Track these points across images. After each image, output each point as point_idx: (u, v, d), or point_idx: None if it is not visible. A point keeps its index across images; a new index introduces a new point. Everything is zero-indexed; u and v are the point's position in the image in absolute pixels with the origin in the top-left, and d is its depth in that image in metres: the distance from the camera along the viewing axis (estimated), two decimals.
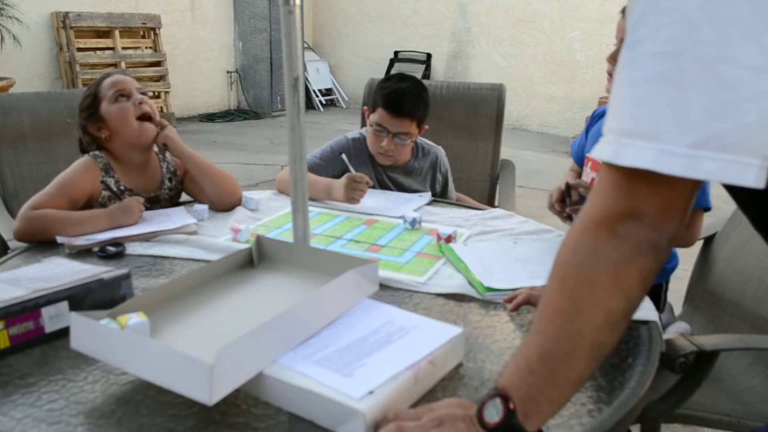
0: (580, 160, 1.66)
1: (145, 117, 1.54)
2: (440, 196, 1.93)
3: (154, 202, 1.60)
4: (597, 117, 1.63)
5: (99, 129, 1.54)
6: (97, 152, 1.54)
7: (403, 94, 1.74)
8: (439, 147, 1.96)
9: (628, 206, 0.61)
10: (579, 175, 1.65)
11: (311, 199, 1.46)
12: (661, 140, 0.55)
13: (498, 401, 0.67)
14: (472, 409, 0.70)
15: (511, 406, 0.66)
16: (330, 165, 1.82)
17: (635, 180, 0.59)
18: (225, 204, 1.62)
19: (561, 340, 0.65)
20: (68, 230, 1.35)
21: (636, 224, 0.61)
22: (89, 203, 1.49)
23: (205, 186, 1.61)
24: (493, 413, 0.66)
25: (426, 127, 1.85)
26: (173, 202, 1.66)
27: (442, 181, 1.96)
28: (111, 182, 1.51)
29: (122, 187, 1.53)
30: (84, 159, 1.53)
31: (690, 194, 0.61)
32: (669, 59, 0.55)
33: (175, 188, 1.67)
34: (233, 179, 1.66)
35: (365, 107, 1.87)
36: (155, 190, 1.61)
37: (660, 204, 0.60)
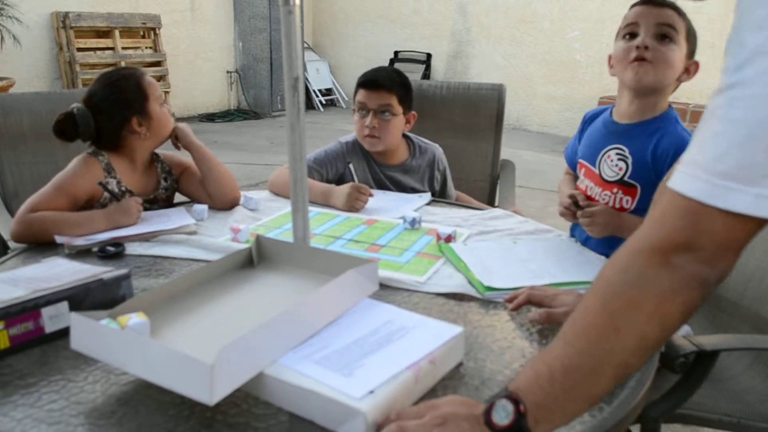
0: (573, 165, 1.65)
1: None
2: (439, 195, 1.93)
3: (151, 203, 1.60)
4: (589, 120, 1.62)
5: (140, 124, 1.52)
6: (98, 150, 1.52)
7: (377, 71, 1.88)
8: (437, 145, 1.96)
9: (687, 238, 0.61)
10: (575, 179, 1.65)
11: None
12: (759, 184, 0.56)
13: (508, 404, 0.66)
14: (477, 408, 0.70)
15: (522, 409, 0.65)
16: (324, 169, 1.83)
17: (703, 214, 0.59)
18: (224, 201, 1.62)
19: (591, 355, 0.65)
20: (66, 232, 1.34)
21: (690, 257, 0.61)
22: (89, 204, 1.48)
23: (209, 181, 1.62)
24: (503, 415, 0.66)
25: (414, 114, 1.88)
26: (169, 202, 1.67)
27: (441, 179, 1.96)
28: (113, 183, 1.50)
29: (123, 188, 1.52)
30: (85, 157, 1.50)
31: (752, 234, 0.61)
32: (752, 103, 0.55)
33: (171, 188, 1.67)
34: (234, 178, 1.67)
35: (354, 108, 1.88)
36: (153, 191, 1.62)
37: (719, 241, 0.61)
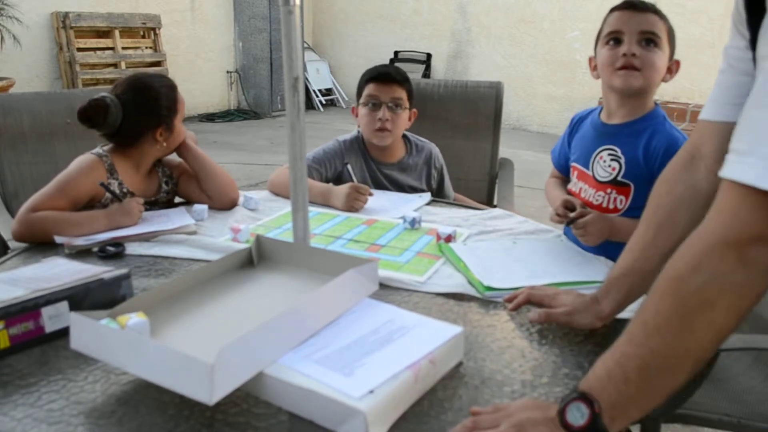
0: (562, 168, 1.65)
1: None
2: (437, 193, 1.94)
3: (152, 205, 1.60)
4: (578, 122, 1.62)
5: (161, 134, 1.54)
6: (102, 151, 1.52)
7: (386, 66, 1.93)
8: (432, 143, 1.97)
9: (762, 231, 0.61)
10: (564, 182, 1.64)
11: None
12: None
13: (582, 405, 0.67)
14: (550, 410, 0.71)
15: (597, 409, 0.66)
16: (323, 167, 1.83)
17: None
18: (224, 201, 1.63)
19: (666, 356, 0.65)
20: (67, 232, 1.34)
21: (765, 250, 0.61)
22: (91, 204, 1.48)
23: (206, 182, 1.62)
24: (578, 416, 0.67)
25: (415, 111, 1.90)
26: (169, 204, 1.67)
27: (438, 177, 1.97)
28: (114, 184, 1.50)
29: (125, 190, 1.52)
30: (89, 158, 1.50)
31: None
32: None
33: (171, 191, 1.67)
34: (231, 177, 1.68)
35: (354, 106, 1.89)
36: (155, 195, 1.62)
37: None
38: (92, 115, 1.46)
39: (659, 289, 0.67)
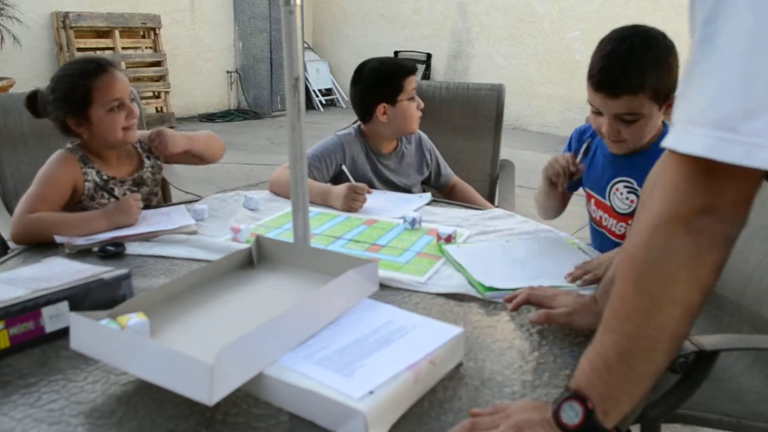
0: (571, 187, 1.58)
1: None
2: (436, 176, 2.01)
3: (139, 185, 1.61)
4: (578, 137, 1.57)
5: (79, 125, 1.48)
6: (71, 145, 1.53)
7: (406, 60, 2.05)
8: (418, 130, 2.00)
9: (703, 201, 0.61)
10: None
11: None
12: (718, 127, 0.55)
13: (575, 403, 0.67)
14: (547, 411, 0.71)
15: (590, 406, 0.66)
16: (323, 164, 1.83)
17: (710, 174, 0.59)
18: (215, 158, 1.72)
19: (641, 336, 0.65)
20: (66, 232, 1.35)
21: (712, 219, 0.61)
22: (76, 196, 1.49)
23: (204, 152, 1.70)
24: (572, 415, 0.67)
25: (384, 105, 1.85)
26: (157, 180, 1.67)
27: (433, 160, 2.01)
28: (93, 173, 1.51)
29: (105, 177, 1.53)
30: (60, 153, 1.51)
31: (758, 185, 0.61)
32: (732, 47, 0.55)
33: (156, 165, 1.66)
34: (215, 137, 1.75)
35: (405, 98, 1.84)
36: (137, 170, 1.61)
37: (733, 197, 0.61)
38: (26, 105, 1.52)
39: (621, 274, 0.68)
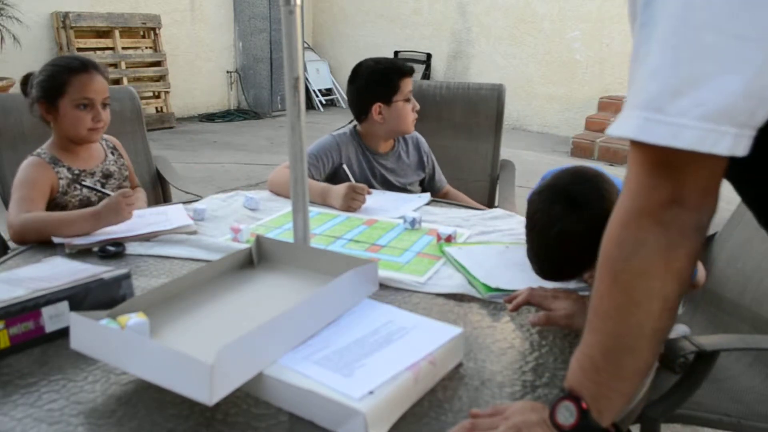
0: None
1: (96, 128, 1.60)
2: (430, 181, 2.01)
3: (107, 176, 1.66)
4: None
5: (47, 112, 1.57)
6: (39, 151, 1.58)
7: (393, 60, 1.98)
8: (414, 131, 2.00)
9: (667, 193, 0.60)
10: None
11: None
12: (646, 108, 0.55)
13: (570, 403, 0.67)
14: (546, 412, 0.71)
15: (584, 405, 0.66)
16: (320, 162, 1.83)
17: (669, 165, 0.58)
18: None
19: (622, 334, 0.65)
20: (59, 231, 1.35)
21: (678, 209, 0.60)
22: (52, 195, 1.54)
23: None
24: (567, 415, 0.67)
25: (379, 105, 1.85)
26: (123, 175, 1.72)
27: (429, 163, 2.02)
28: (64, 171, 1.57)
29: (76, 171, 1.59)
30: (30, 159, 1.57)
31: (722, 171, 0.60)
32: (664, 27, 0.55)
33: (120, 163, 1.73)
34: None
35: (400, 99, 1.84)
36: (103, 162, 1.67)
37: (698, 186, 0.60)
38: (21, 83, 1.61)
39: (598, 273, 0.68)
